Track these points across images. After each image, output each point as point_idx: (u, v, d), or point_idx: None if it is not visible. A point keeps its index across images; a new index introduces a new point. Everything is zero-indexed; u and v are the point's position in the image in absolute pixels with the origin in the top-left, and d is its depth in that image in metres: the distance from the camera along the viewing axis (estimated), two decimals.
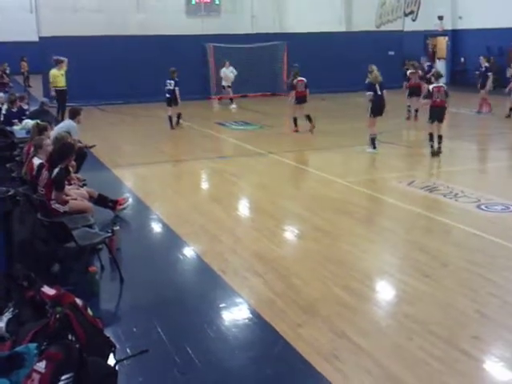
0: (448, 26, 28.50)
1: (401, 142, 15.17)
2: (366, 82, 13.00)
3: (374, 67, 13.05)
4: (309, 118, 15.52)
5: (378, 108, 12.81)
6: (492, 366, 4.66)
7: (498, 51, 25.41)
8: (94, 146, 11.44)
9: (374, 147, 12.93)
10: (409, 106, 17.96)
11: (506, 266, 6.59)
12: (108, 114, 20.77)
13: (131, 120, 19.45)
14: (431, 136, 12.49)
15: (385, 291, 6.22)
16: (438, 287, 6.09)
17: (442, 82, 12.94)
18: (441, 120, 12.48)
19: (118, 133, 16.86)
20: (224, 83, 22.15)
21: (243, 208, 9.76)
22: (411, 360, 4.69)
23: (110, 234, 6.62)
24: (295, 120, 15.83)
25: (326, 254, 7.12)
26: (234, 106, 21.57)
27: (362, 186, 10.11)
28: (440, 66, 28.93)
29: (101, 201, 8.39)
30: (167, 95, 16.52)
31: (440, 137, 12.53)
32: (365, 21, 27.13)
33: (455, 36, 28.35)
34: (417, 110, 17.59)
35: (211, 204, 9.61)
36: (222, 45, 23.85)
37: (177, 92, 16.29)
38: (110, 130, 17.09)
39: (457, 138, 14.31)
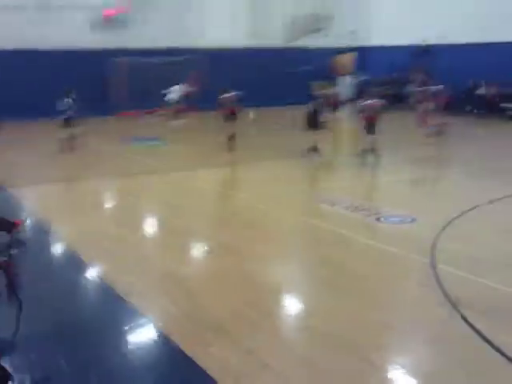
0: (355, 42, 29.47)
1: (304, 157, 15.47)
2: None
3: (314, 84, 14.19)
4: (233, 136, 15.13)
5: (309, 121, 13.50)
6: (397, 375, 4.78)
7: (400, 67, 26.50)
8: None
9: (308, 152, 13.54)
10: None
11: (405, 275, 6.82)
12: (2, 131, 19.90)
13: (28, 137, 18.74)
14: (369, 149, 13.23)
15: (291, 305, 6.27)
16: (342, 298, 6.20)
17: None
18: (371, 133, 13.24)
19: (14, 150, 16.17)
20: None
21: (149, 227, 9.61)
22: (318, 373, 4.73)
23: (5, 259, 6.30)
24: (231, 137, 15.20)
25: (233, 271, 7.10)
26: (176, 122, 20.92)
27: (264, 202, 10.19)
28: (346, 81, 29.70)
29: None
30: (63, 116, 15.59)
31: (373, 149, 13.26)
32: (275, 36, 27.52)
33: (362, 52, 29.36)
34: None
35: (115, 223, 9.39)
36: (128, 59, 23.45)
37: (73, 112, 15.42)
38: (5, 148, 16.36)
39: (356, 154, 14.71)
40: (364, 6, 28.93)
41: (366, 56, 29.11)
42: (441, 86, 17.71)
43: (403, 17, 25.56)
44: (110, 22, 24.36)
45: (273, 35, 27.48)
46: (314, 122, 13.35)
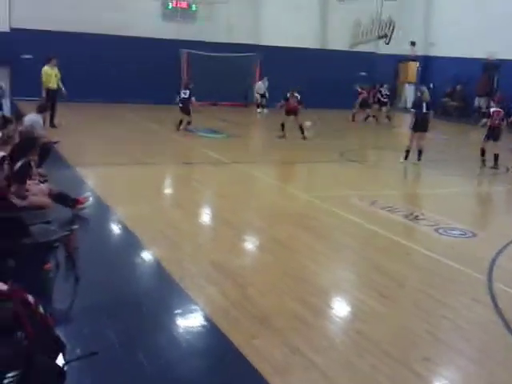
0: (420, 51, 28.96)
1: (366, 161, 15.39)
2: (414, 99, 14.73)
3: (425, 88, 14.83)
4: (301, 128, 17.38)
5: (420, 124, 14.01)
6: None
7: (466, 80, 25.92)
8: (58, 141, 11.30)
9: (406, 158, 14.07)
10: None
11: (460, 290, 6.69)
12: (75, 111, 20.47)
13: (98, 119, 19.26)
14: (483, 151, 14.20)
15: (340, 308, 6.24)
16: (392, 307, 6.14)
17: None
18: (496, 139, 14.10)
19: (84, 131, 16.66)
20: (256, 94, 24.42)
21: (205, 216, 9.73)
22: (362, 378, 4.70)
23: (68, 233, 6.50)
24: (282, 125, 17.53)
25: (283, 267, 7.12)
26: (260, 110, 23.68)
27: (324, 202, 10.16)
28: (410, 90, 29.38)
29: (61, 198, 8.25)
30: (180, 104, 17.70)
31: (496, 155, 14.03)
32: (339, 40, 27.43)
33: (426, 62, 28.82)
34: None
35: (173, 209, 9.56)
36: (197, 52, 23.87)
37: (193, 101, 17.75)
38: (76, 128, 16.88)
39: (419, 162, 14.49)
40: (430, 15, 28.30)
41: (429, 66, 28.53)
42: None
43: (471, 29, 24.78)
44: (181, 14, 24.73)
45: (338, 38, 27.33)
46: (425, 126, 14.01)
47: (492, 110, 14.50)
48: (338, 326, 5.76)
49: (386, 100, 23.80)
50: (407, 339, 5.43)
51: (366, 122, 22.95)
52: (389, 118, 23.32)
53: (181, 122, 17.66)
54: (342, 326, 5.77)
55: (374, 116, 23.12)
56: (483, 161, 14.21)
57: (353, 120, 23.21)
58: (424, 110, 14.03)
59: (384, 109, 23.54)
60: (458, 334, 5.61)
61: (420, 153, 14.08)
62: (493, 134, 14.10)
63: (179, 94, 17.89)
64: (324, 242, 8.28)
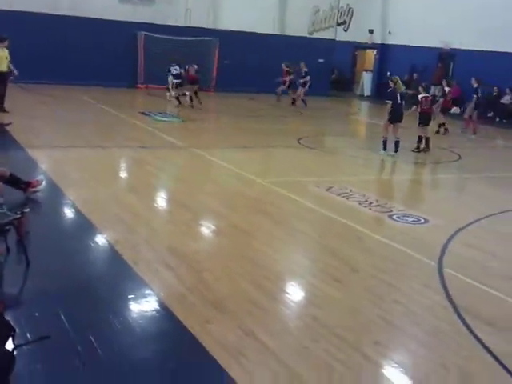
0: (378, 39, 29.21)
1: (323, 147, 15.49)
2: (389, 90, 14.27)
3: (398, 78, 14.59)
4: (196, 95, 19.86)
5: (396, 115, 13.92)
6: (391, 372, 4.78)
7: (422, 69, 26.25)
8: (10, 123, 11.02)
9: (384, 149, 14.03)
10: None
11: (412, 275, 6.81)
12: (28, 93, 20.01)
13: (52, 101, 18.85)
14: (420, 138, 14.78)
15: (295, 292, 6.28)
16: (346, 291, 6.22)
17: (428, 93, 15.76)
18: (427, 124, 14.79)
19: (37, 113, 16.28)
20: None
21: (161, 200, 9.65)
22: (315, 362, 4.75)
23: (19, 216, 6.36)
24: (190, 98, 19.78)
25: (239, 251, 7.14)
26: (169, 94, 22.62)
27: (280, 187, 10.20)
28: (367, 77, 29.67)
29: (12, 181, 8.07)
30: (176, 80, 19.91)
31: (427, 138, 14.80)
32: (298, 26, 27.43)
33: (383, 50, 29.10)
34: None
35: (128, 193, 9.45)
36: (154, 34, 23.55)
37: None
38: (29, 109, 16.51)
39: (375, 149, 14.68)
40: (388, 4, 28.67)
41: (386, 54, 28.85)
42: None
43: (428, 18, 25.21)
44: None
45: (297, 25, 27.31)
46: (401, 117, 13.98)
47: (420, 96, 14.92)
48: (293, 310, 5.80)
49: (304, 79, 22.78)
50: (360, 324, 5.51)
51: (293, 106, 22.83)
52: (304, 101, 22.69)
53: (191, 97, 19.39)
54: (296, 311, 5.82)
55: (293, 99, 22.97)
56: (419, 147, 14.75)
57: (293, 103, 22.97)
58: (399, 101, 13.95)
59: (302, 90, 22.78)
60: (409, 318, 5.71)
61: (397, 144, 13.94)
62: (424, 119, 14.68)
63: (170, 71, 19.76)
64: (280, 227, 8.31)
